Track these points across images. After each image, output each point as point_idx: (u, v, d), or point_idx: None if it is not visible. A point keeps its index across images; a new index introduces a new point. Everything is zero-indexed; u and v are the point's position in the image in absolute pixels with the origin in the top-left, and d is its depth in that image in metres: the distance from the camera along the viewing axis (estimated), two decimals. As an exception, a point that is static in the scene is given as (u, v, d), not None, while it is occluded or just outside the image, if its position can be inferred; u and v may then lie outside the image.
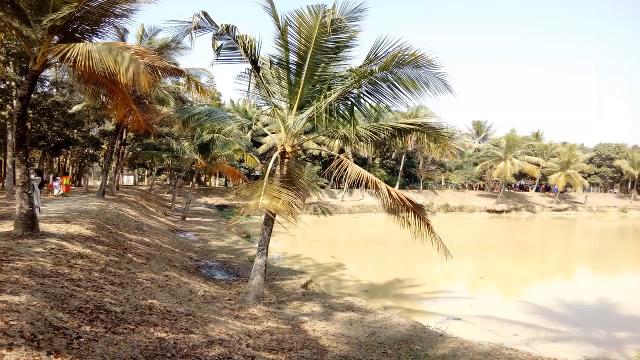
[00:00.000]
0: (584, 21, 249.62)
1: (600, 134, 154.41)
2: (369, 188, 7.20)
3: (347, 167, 7.14)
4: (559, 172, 48.70)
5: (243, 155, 27.25)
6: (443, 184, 55.35)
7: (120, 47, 6.51)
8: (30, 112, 19.44)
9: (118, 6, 7.17)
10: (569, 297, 11.75)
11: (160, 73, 8.40)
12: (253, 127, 36.82)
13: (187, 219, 23.06)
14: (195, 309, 6.02)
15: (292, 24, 6.93)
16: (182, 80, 18.26)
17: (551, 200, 50.51)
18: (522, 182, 58.22)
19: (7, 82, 17.14)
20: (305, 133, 18.76)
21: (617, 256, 22.18)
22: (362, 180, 7.01)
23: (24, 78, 8.93)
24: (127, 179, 48.23)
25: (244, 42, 7.00)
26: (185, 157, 23.56)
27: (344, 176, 7.09)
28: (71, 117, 25.05)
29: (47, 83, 23.36)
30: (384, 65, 6.62)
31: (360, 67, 7.13)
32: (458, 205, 44.82)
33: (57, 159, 34.56)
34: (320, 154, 41.08)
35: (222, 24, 6.88)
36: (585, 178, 52.67)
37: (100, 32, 7.68)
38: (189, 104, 21.83)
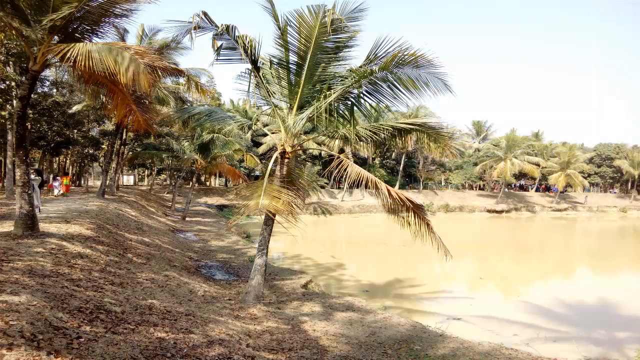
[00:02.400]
0: (584, 21, 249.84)
1: (600, 134, 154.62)
2: (369, 188, 7.20)
3: (347, 167, 7.14)
4: (559, 172, 48.70)
5: (243, 155, 27.25)
6: (443, 184, 55.35)
7: (120, 47, 6.51)
8: (30, 112, 19.44)
9: (118, 6, 7.17)
10: (569, 297, 11.75)
11: (160, 73, 8.40)
12: (253, 127, 36.81)
13: (187, 219, 23.07)
14: (195, 309, 6.02)
15: (292, 24, 6.93)
16: (182, 80, 18.26)
17: (551, 200, 50.51)
18: (522, 182, 58.22)
19: (7, 82, 17.14)
20: (305, 133, 18.75)
21: (617, 256, 22.18)
22: (362, 180, 7.01)
23: (24, 78, 8.93)
24: (127, 179, 48.23)
25: (244, 42, 7.00)
26: (185, 157, 23.56)
27: (344, 176, 7.08)
28: (71, 117, 25.05)
29: (47, 83, 23.36)
30: (384, 65, 6.62)
31: (360, 67, 7.13)
32: (458, 205, 44.82)
33: (57, 159, 34.56)
34: (320, 154, 41.08)
35: (222, 24, 6.88)
36: (585, 178, 52.67)
37: (100, 32, 7.68)
38: (189, 104, 21.83)
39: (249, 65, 7.45)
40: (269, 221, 7.80)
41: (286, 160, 7.86)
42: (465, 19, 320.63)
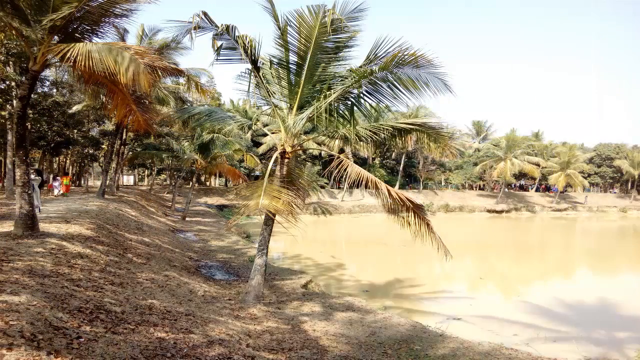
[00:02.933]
0: (584, 21, 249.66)
1: (600, 134, 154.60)
2: (369, 188, 7.20)
3: (347, 167, 7.14)
4: (559, 172, 48.70)
5: (243, 155, 27.25)
6: (443, 184, 55.35)
7: (120, 47, 6.51)
8: (30, 112, 19.44)
9: (118, 6, 7.17)
10: (569, 297, 11.75)
11: (160, 73, 8.40)
12: (253, 127, 36.80)
13: (187, 219, 23.06)
14: (195, 309, 6.02)
15: (292, 24, 6.94)
16: (182, 80, 18.26)
17: (551, 200, 50.51)
18: (522, 182, 58.21)
19: (7, 82, 17.14)
20: (305, 133, 18.75)
21: (617, 256, 22.18)
22: (362, 180, 7.01)
23: (24, 78, 8.94)
24: (127, 179, 48.22)
25: (244, 42, 7.00)
26: (185, 157, 23.56)
27: (344, 176, 7.08)
28: (71, 117, 25.05)
29: (47, 83, 23.36)
30: (384, 65, 6.62)
31: (360, 67, 7.13)
32: (458, 205, 44.82)
33: (57, 159, 34.55)
34: (320, 154, 41.08)
35: (222, 24, 6.88)
36: (585, 178, 52.66)
37: (100, 32, 7.68)
38: (189, 104, 21.83)
39: (249, 65, 7.45)
40: (269, 221, 7.80)
41: (286, 160, 7.86)
42: (465, 19, 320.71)
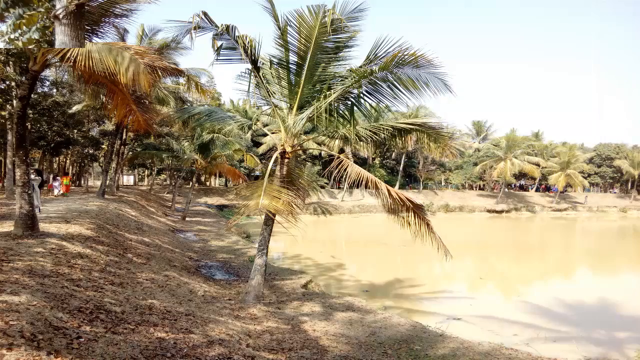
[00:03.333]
0: (584, 21, 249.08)
1: (600, 134, 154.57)
2: (369, 188, 7.21)
3: (347, 167, 7.15)
4: (559, 172, 48.72)
5: (243, 155, 27.23)
6: (443, 184, 55.36)
7: (120, 47, 6.51)
8: (30, 112, 19.42)
9: (118, 6, 7.16)
10: (569, 297, 11.75)
11: (160, 73, 8.37)
12: (253, 127, 36.82)
13: (187, 219, 23.07)
14: (195, 309, 6.02)
15: (292, 24, 6.94)
16: (182, 80, 18.25)
17: (551, 200, 50.52)
18: (522, 182, 58.23)
19: (7, 82, 17.13)
20: (305, 133, 18.73)
21: (617, 256, 22.18)
22: (362, 180, 7.02)
23: (24, 78, 8.94)
24: (127, 179, 48.16)
25: (244, 42, 7.00)
26: (185, 157, 23.56)
27: (344, 176, 7.09)
28: (71, 117, 25.01)
29: (47, 83, 23.32)
30: (384, 65, 6.62)
31: (360, 67, 7.13)
32: (458, 205, 44.83)
33: (57, 159, 34.55)
34: (320, 154, 41.08)
35: (222, 24, 6.88)
36: (585, 178, 52.67)
37: (100, 32, 7.66)
38: (189, 104, 21.84)
39: (249, 65, 7.45)
40: (269, 221, 7.80)
41: (286, 160, 7.86)
42: (465, 19, 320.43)
